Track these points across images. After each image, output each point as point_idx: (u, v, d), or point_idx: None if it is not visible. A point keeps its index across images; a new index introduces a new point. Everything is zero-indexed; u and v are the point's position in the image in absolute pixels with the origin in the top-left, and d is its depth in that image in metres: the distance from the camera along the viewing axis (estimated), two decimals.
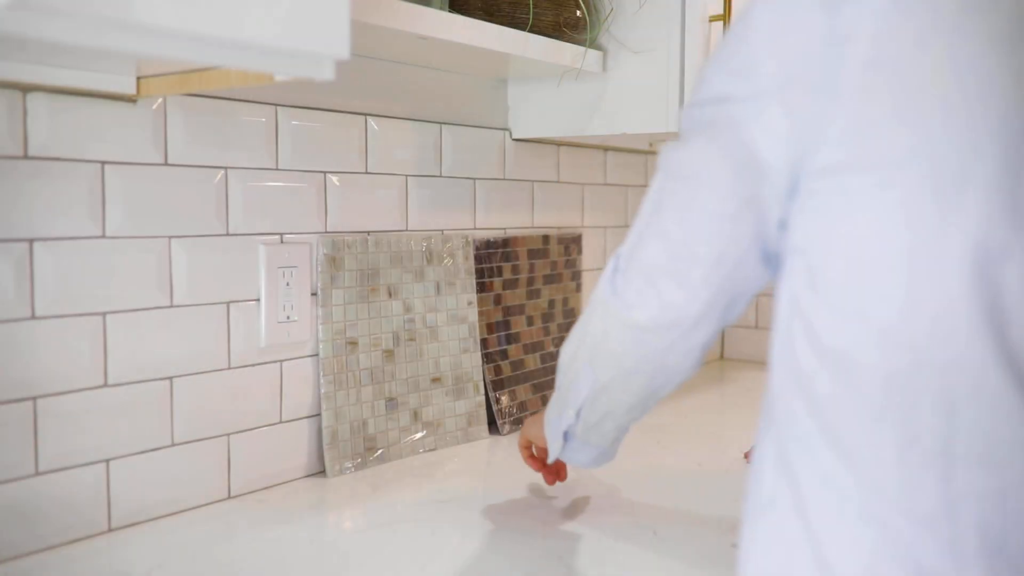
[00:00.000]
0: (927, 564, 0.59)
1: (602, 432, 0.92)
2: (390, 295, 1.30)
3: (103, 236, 0.97)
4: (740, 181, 0.66)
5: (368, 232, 1.28)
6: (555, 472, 1.12)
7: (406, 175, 1.33)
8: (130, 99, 0.98)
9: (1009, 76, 0.58)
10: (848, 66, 0.60)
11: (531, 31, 1.25)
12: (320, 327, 1.21)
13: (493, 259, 1.47)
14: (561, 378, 0.92)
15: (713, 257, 0.69)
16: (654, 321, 0.74)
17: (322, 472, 1.21)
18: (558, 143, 1.62)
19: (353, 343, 1.24)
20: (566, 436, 0.95)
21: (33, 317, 0.92)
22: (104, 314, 0.97)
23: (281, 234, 1.16)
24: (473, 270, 1.43)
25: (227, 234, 1.09)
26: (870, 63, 0.60)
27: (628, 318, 0.76)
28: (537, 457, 1.11)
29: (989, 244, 0.58)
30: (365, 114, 1.26)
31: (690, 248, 0.70)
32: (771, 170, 0.65)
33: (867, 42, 0.60)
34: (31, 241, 0.91)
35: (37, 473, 0.93)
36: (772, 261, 0.70)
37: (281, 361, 1.17)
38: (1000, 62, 0.58)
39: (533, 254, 1.55)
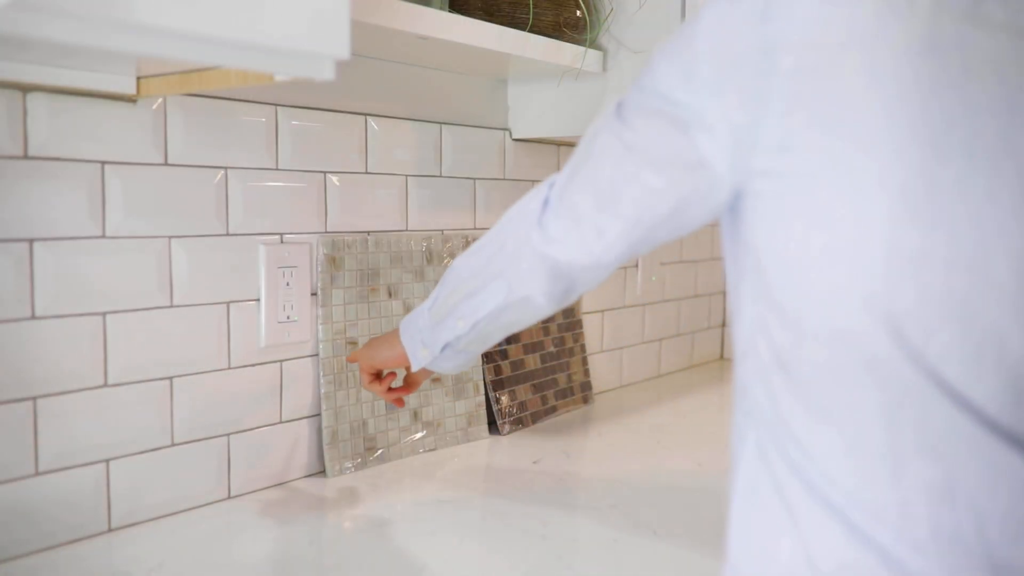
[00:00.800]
0: (892, 552, 0.61)
1: (487, 342, 0.94)
2: (390, 295, 1.30)
3: (103, 236, 0.97)
4: (676, 168, 0.70)
5: (368, 232, 1.28)
6: (404, 390, 1.11)
7: (406, 175, 1.33)
8: (130, 99, 0.98)
9: (925, 82, 0.59)
10: (777, 75, 0.63)
11: (531, 31, 1.25)
12: (320, 327, 1.20)
13: None
14: (452, 289, 0.92)
15: (633, 218, 0.75)
16: (571, 261, 0.80)
17: (322, 472, 1.21)
18: (558, 143, 1.62)
19: (353, 343, 1.24)
20: (445, 346, 0.96)
21: (33, 317, 0.92)
22: (104, 314, 0.97)
23: (281, 234, 1.16)
24: None
25: (227, 234, 1.09)
26: (795, 71, 0.62)
27: (547, 252, 0.81)
28: (384, 379, 1.09)
29: (901, 247, 0.59)
30: (365, 114, 1.26)
31: (615, 204, 0.75)
32: (712, 169, 0.68)
33: (795, 51, 0.62)
34: (31, 241, 0.91)
35: (37, 473, 0.93)
36: (686, 229, 0.75)
37: (281, 361, 1.17)
38: (917, 68, 0.59)
39: None
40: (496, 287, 0.87)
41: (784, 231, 0.64)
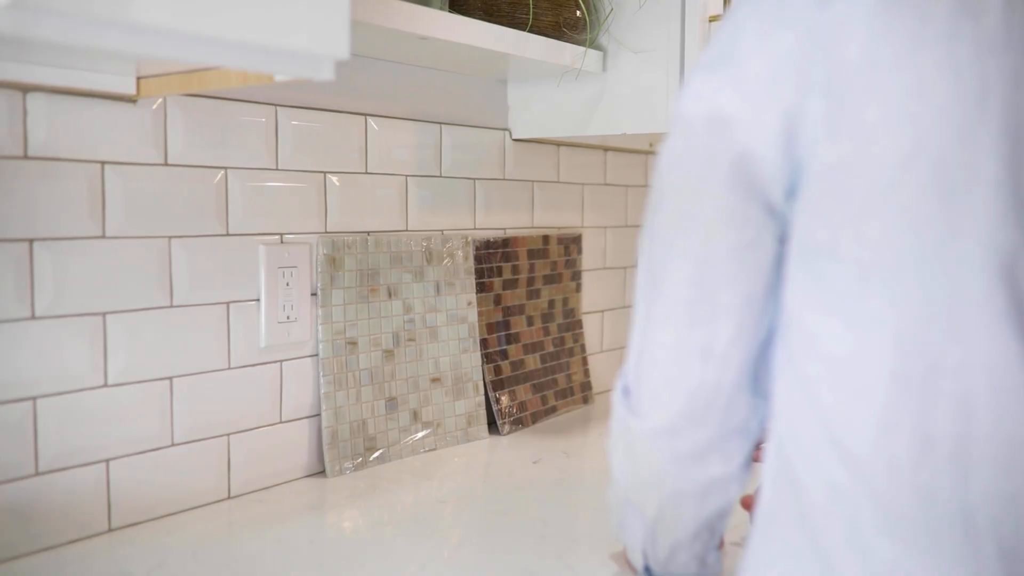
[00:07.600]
0: (947, 573, 0.58)
1: (680, 563, 0.79)
2: (390, 295, 1.30)
3: (103, 236, 0.97)
4: (743, 192, 0.64)
5: (368, 232, 1.28)
6: None
7: (406, 175, 1.33)
8: (130, 99, 0.98)
9: (1005, 78, 0.58)
10: (839, 66, 0.59)
11: (531, 31, 1.25)
12: (320, 327, 1.20)
13: (493, 259, 1.47)
14: (614, 520, 0.83)
15: (740, 301, 0.65)
16: (686, 411, 0.67)
17: (322, 472, 1.21)
18: (558, 143, 1.62)
19: (353, 343, 1.24)
20: (648, 571, 0.83)
21: (33, 317, 0.92)
22: (104, 314, 0.97)
23: (281, 234, 1.16)
24: (473, 270, 1.43)
25: (227, 234, 1.09)
26: (863, 63, 0.59)
27: (654, 427, 0.69)
28: None
29: (1003, 244, 0.57)
30: (365, 114, 1.26)
31: (711, 299, 0.65)
32: (769, 177, 0.63)
33: (859, 42, 0.59)
34: (31, 241, 0.91)
35: (37, 473, 0.93)
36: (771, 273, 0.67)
37: (281, 361, 1.17)
38: (997, 64, 0.58)
39: (533, 254, 1.55)
40: (630, 513, 0.77)
41: (849, 232, 0.60)
